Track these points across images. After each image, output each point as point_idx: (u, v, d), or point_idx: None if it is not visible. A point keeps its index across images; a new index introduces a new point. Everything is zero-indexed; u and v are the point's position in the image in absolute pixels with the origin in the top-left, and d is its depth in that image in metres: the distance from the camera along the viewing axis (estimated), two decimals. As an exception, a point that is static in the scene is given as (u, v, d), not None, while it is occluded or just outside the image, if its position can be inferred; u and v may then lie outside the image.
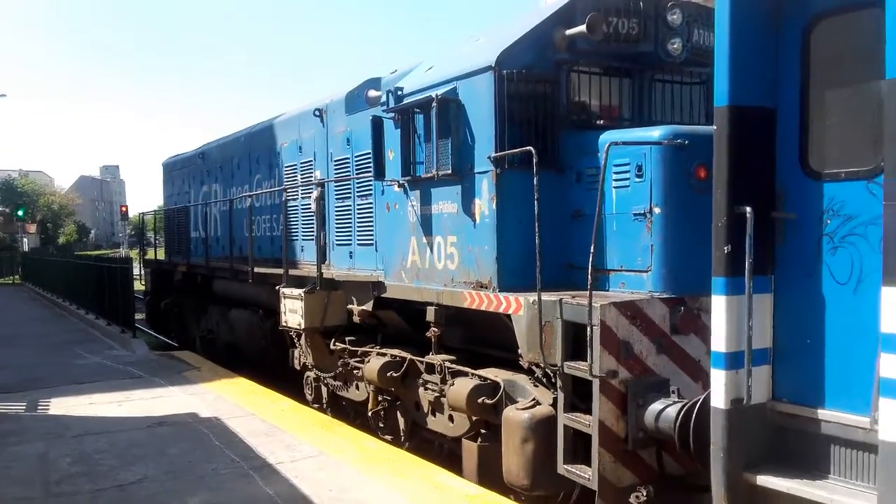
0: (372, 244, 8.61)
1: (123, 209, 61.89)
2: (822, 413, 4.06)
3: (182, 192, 16.43)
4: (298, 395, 9.98)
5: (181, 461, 7.04)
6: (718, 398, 4.25)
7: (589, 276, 5.21)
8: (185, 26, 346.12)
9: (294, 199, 10.67)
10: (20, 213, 62.93)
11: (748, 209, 4.12)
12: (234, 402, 9.43)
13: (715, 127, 4.24)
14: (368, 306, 8.20)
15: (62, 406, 9.50)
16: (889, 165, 3.51)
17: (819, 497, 3.90)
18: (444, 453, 7.65)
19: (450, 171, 6.66)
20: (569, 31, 6.18)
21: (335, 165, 9.70)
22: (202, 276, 14.04)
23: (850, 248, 3.92)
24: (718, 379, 4.25)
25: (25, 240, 66.02)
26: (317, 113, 10.13)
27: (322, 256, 9.42)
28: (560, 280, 6.22)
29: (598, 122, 6.50)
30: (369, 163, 8.14)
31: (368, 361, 8.12)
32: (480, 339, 7.22)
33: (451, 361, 7.11)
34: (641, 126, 6.37)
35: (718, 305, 4.25)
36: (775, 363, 4.34)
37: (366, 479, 6.41)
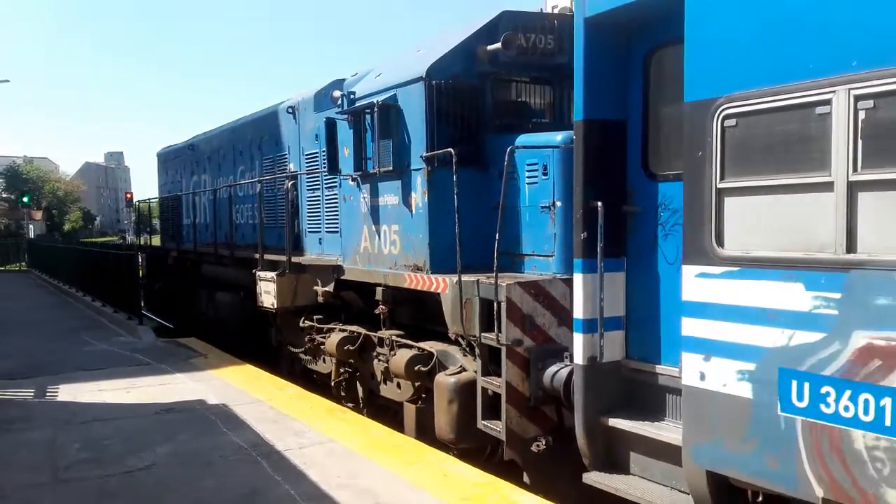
0: (338, 231, 9.70)
1: (128, 196, 63.27)
2: (659, 368, 5.16)
3: (175, 182, 17.61)
4: (277, 371, 11.09)
5: (189, 448, 7.13)
6: (578, 356, 5.37)
7: (495, 260, 6.29)
8: (190, 12, 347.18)
9: (272, 190, 11.79)
10: (25, 199, 64.27)
11: (599, 204, 5.20)
12: (241, 388, 9.56)
13: (574, 137, 5.32)
14: (330, 287, 9.35)
15: (70, 392, 9.64)
16: (686, 171, 4.58)
17: (648, 432, 5.02)
18: (397, 417, 8.80)
19: (391, 168, 7.76)
20: (489, 47, 7.23)
21: (306, 159, 10.81)
22: (191, 261, 15.25)
23: (676, 235, 4.98)
24: (578, 341, 5.37)
25: (31, 226, 67.06)
26: (290, 110, 11.22)
27: (295, 243, 10.55)
28: (488, 264, 7.28)
29: (519, 125, 7.53)
30: (333, 158, 9.24)
31: (329, 337, 9.27)
32: (426, 316, 8.33)
33: (399, 335, 8.23)
34: (563, 129, 7.41)
35: (577, 281, 5.35)
36: (628, 329, 5.44)
37: (374, 465, 6.50)
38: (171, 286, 17.11)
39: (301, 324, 10.12)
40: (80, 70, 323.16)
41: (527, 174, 6.95)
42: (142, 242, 20.96)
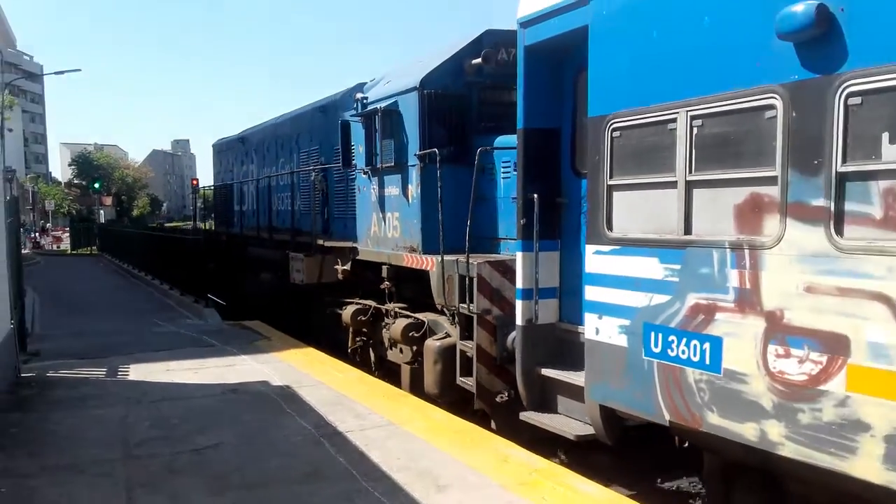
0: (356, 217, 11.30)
1: (195, 182, 66.72)
2: (580, 328, 6.54)
3: (227, 171, 19.59)
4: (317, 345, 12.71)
5: (254, 427, 7.42)
6: (518, 319, 6.81)
7: (466, 243, 7.74)
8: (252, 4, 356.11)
9: (306, 180, 13.48)
10: (96, 185, 68.34)
11: (535, 196, 6.60)
12: (303, 371, 9.94)
13: (517, 142, 6.73)
14: (348, 266, 10.96)
15: (140, 372, 10.06)
16: (589, 171, 5.95)
17: (568, 378, 6.44)
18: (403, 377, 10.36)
19: (392, 164, 9.30)
20: (474, 61, 8.66)
21: (335, 153, 12.42)
22: (239, 244, 17.16)
23: (593, 222, 6.35)
24: (518, 306, 6.81)
25: (102, 212, 70.83)
26: (322, 109, 12.86)
27: (325, 227, 12.21)
28: (472, 246, 8.71)
29: (500, 128, 8.91)
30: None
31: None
32: (424, 290, 9.83)
33: (401, 307, 9.77)
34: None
35: (518, 259, 6.78)
36: (561, 297, 6.84)
37: (433, 448, 6.66)
38: (223, 266, 19.06)
39: (324, 299, 11.77)
40: (148, 59, 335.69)
41: (502, 170, 8.36)
42: (205, 227, 23.11)
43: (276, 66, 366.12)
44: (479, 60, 8.60)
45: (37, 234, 58.70)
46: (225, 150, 20.04)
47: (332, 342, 12.30)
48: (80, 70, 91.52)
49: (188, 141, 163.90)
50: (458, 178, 8.63)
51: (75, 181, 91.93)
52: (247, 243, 16.56)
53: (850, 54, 4.09)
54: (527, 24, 6.60)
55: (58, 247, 54.82)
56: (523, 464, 6.23)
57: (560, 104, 6.70)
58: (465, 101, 8.88)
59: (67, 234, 58.26)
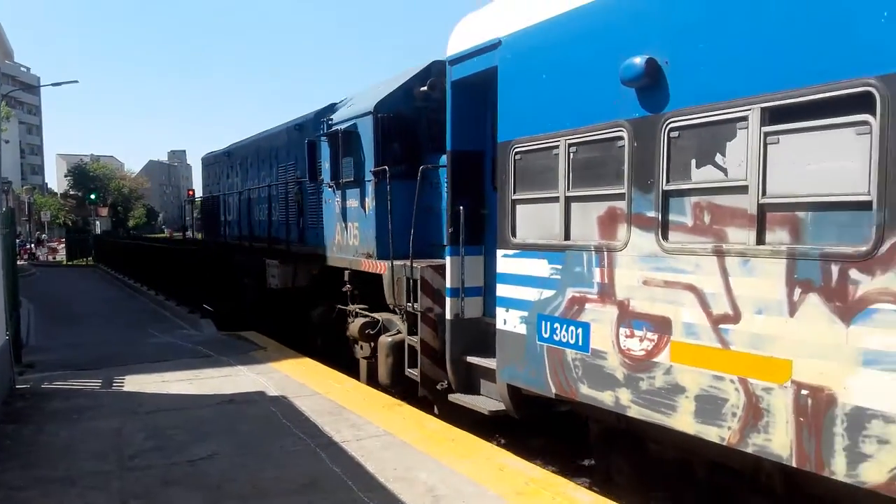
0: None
1: (190, 193, 68.02)
2: (474, 316, 7.72)
3: (215, 183, 20.82)
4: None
5: (250, 438, 7.48)
6: (448, 314, 8.01)
7: (410, 249, 8.94)
8: (244, 13, 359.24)
9: (283, 193, 14.70)
10: (93, 196, 69.48)
11: (461, 208, 7.81)
12: (300, 381, 10.07)
13: (447, 162, 7.95)
14: (316, 271, 12.17)
15: (136, 383, 10.14)
16: (499, 187, 7.16)
17: (487, 364, 7.62)
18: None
19: (352, 179, 10.53)
20: (422, 88, 9.89)
21: (309, 168, 13.65)
22: (225, 252, 18.37)
23: (508, 230, 7.55)
24: (448, 303, 8.01)
25: (98, 222, 71.70)
26: (297, 128, 14.09)
27: (300, 236, 13.42)
28: (423, 253, 9.90)
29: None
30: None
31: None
32: (382, 292, 11.03)
33: (362, 308, 10.96)
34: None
35: (448, 262, 7.99)
36: (485, 295, 8.03)
37: (429, 458, 6.75)
38: (210, 274, 20.24)
39: (293, 301, 12.98)
40: (144, 70, 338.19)
41: (446, 184, 9.57)
42: (195, 237, 24.30)
43: (274, 76, 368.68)
44: (426, 88, 9.83)
45: (32, 245, 59.58)
46: (213, 164, 21.27)
47: (308, 342, 13.52)
48: (77, 82, 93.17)
49: (185, 152, 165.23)
50: (409, 192, 9.81)
51: (71, 192, 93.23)
52: (232, 252, 17.75)
53: (671, 98, 5.31)
54: (452, 62, 7.85)
55: (54, 258, 55.55)
56: (519, 473, 6.35)
57: (483, 130, 7.92)
58: (415, 123, 10.10)
59: (63, 246, 59.05)
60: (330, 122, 11.31)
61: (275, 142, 15.50)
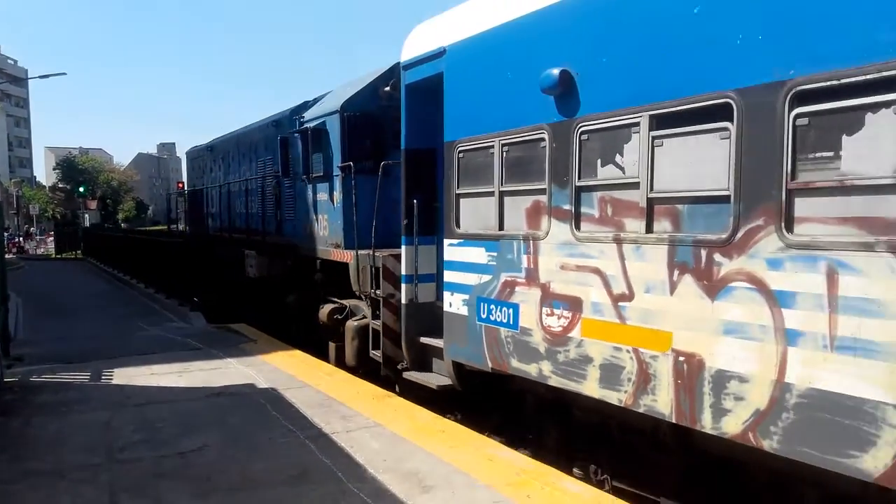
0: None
1: (180, 185, 68.49)
2: (427, 301, 8.52)
3: (198, 177, 21.58)
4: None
5: (239, 430, 7.57)
6: (403, 298, 8.81)
7: (373, 239, 9.72)
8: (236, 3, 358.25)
9: (259, 186, 15.47)
10: (81, 189, 69.88)
11: (415, 201, 8.60)
12: (289, 373, 10.25)
13: (402, 159, 8.73)
14: (290, 261, 12.95)
15: (125, 376, 10.19)
16: (445, 182, 7.94)
17: (438, 343, 8.41)
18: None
19: (322, 174, 11.31)
20: (385, 88, 10.65)
21: (282, 163, 14.41)
22: (208, 243, 19.13)
23: (456, 222, 8.35)
24: (403, 289, 8.81)
25: (86, 216, 71.94)
26: (275, 124, 14.84)
27: (278, 227, 14.19)
28: (389, 243, 10.66)
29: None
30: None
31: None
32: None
33: (332, 295, 11.75)
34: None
35: (403, 251, 8.78)
36: (438, 281, 8.82)
37: (419, 449, 6.88)
38: (193, 265, 21.02)
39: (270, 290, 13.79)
40: (133, 63, 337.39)
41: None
42: (180, 229, 25.04)
43: (263, 68, 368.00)
44: (389, 88, 10.59)
45: (21, 238, 59.95)
46: (196, 158, 22.02)
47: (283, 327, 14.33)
48: (65, 74, 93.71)
49: (174, 144, 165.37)
50: (373, 186, 10.58)
51: (60, 185, 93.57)
52: (215, 242, 18.52)
53: (581, 105, 6.11)
54: (406, 67, 8.63)
55: (42, 251, 55.82)
56: (509, 463, 6.47)
57: (434, 129, 8.68)
58: (380, 121, 10.87)
59: (52, 239, 59.15)
60: (302, 120, 12.08)
61: (253, 137, 16.25)
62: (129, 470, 6.51)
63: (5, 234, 21.36)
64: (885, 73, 4.05)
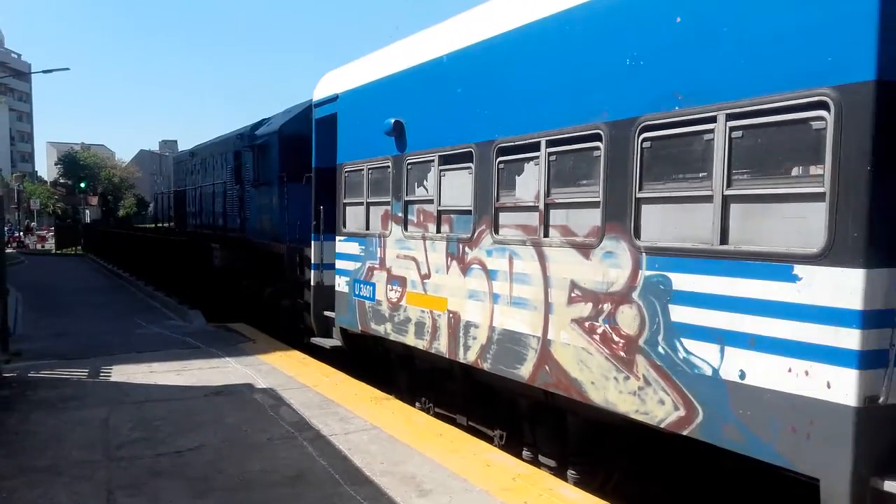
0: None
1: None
2: (331, 284, 11.67)
3: (182, 180, 24.91)
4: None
5: (237, 430, 7.76)
6: (311, 282, 12.00)
7: (297, 235, 12.89)
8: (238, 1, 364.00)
9: (225, 189, 18.73)
10: (82, 185, 72.93)
11: (321, 207, 11.76)
12: (288, 374, 10.66)
13: (313, 175, 11.90)
14: (244, 253, 16.20)
15: (123, 373, 10.46)
16: (338, 194, 11.09)
17: (332, 315, 11.55)
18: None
19: (266, 182, 14.53)
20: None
21: (247, 170, 17.66)
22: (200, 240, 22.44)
23: (350, 223, 11.51)
24: (312, 275, 12.00)
25: (87, 212, 74.68)
26: (239, 136, 18.08)
27: (243, 225, 17.42)
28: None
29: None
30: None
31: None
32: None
33: (274, 278, 14.94)
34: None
35: (312, 246, 11.96)
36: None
37: (416, 452, 7.10)
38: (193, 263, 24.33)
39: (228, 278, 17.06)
40: (136, 59, 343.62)
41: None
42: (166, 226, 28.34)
43: (265, 65, 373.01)
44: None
45: (21, 233, 63.01)
46: (181, 162, 25.37)
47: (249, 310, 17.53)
48: (68, 69, 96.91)
49: (176, 142, 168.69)
50: (301, 193, 13.80)
51: (61, 180, 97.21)
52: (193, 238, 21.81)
53: (408, 145, 9.23)
54: (315, 106, 11.84)
55: (42, 246, 58.24)
56: (506, 469, 6.69)
57: (334, 153, 11.85)
58: (309, 141, 14.03)
59: (52, 234, 61.55)
60: (253, 137, 15.30)
61: (223, 147, 19.53)
62: (127, 468, 6.69)
63: (6, 228, 24.06)
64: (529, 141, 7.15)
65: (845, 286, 4.48)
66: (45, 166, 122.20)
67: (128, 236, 29.70)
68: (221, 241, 17.72)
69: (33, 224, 73.45)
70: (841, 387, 4.49)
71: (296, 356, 12.07)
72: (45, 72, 55.66)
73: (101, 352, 12.20)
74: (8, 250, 23.25)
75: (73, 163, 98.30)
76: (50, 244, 57.76)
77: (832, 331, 4.54)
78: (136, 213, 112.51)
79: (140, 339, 13.69)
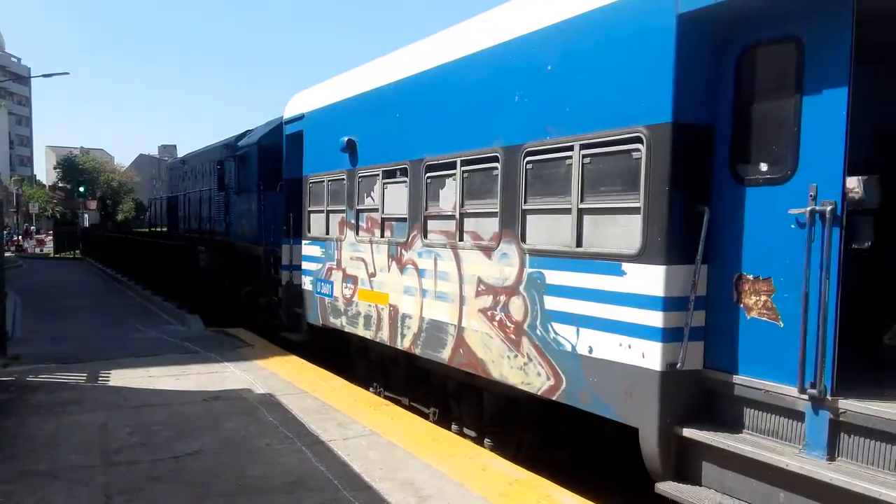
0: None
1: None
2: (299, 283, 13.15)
3: (174, 185, 26.47)
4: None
5: (235, 435, 7.82)
6: (283, 281, 13.49)
7: (271, 239, 14.38)
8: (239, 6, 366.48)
9: (217, 196, 20.23)
10: (81, 189, 74.38)
11: (291, 214, 13.25)
12: (287, 379, 10.80)
13: (283, 185, 13.39)
14: (227, 255, 17.71)
15: (122, 378, 10.51)
16: (304, 204, 12.59)
17: (301, 311, 13.04)
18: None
19: (247, 189, 16.02)
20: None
21: (231, 178, 19.17)
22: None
23: (317, 228, 12.99)
24: (283, 275, 13.50)
25: (86, 216, 75.93)
26: (225, 146, 19.61)
27: (228, 229, 18.93)
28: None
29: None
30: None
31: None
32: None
33: (253, 277, 16.44)
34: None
35: (283, 249, 13.45)
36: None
37: (414, 457, 7.19)
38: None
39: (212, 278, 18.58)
40: (135, 64, 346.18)
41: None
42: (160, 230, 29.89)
43: (263, 71, 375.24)
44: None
45: (20, 237, 64.24)
46: (174, 168, 26.97)
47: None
48: (68, 73, 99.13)
49: (175, 146, 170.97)
50: (276, 200, 15.29)
51: (60, 184, 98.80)
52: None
53: (359, 160, 10.71)
54: (286, 123, 13.35)
55: (41, 250, 58.85)
56: (502, 474, 6.81)
57: (301, 166, 13.34)
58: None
59: (51, 238, 62.74)
60: (236, 148, 16.81)
61: (211, 156, 21.08)
62: (125, 472, 6.75)
63: (4, 231, 25.27)
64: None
65: (652, 279, 5.94)
66: (45, 170, 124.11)
67: (125, 240, 30.66)
68: (208, 244, 19.22)
69: (32, 228, 74.84)
70: (651, 356, 5.95)
71: (294, 361, 12.30)
72: (45, 76, 57.30)
73: (100, 356, 12.37)
74: (6, 254, 23.23)
75: (72, 167, 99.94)
76: (48, 248, 58.75)
77: (644, 313, 6.01)
78: (135, 217, 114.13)
79: (138, 343, 13.95)
